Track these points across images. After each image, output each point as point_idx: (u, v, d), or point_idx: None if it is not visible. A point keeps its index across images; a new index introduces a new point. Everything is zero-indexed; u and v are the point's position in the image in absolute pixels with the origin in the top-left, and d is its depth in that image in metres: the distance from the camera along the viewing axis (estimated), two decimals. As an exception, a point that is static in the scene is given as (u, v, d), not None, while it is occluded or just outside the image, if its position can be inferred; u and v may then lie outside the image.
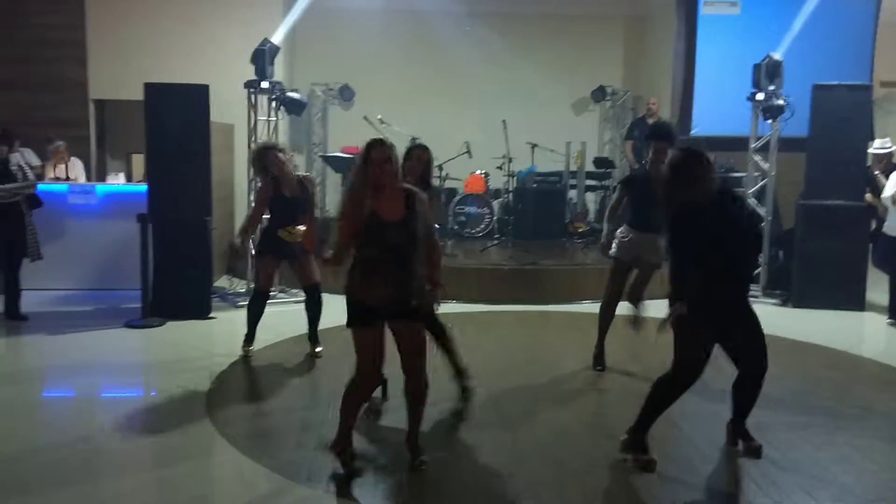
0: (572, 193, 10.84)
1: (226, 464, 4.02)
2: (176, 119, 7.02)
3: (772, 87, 7.98)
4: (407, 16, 11.02)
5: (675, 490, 3.75)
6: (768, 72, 7.98)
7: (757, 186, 8.47)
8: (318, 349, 5.89)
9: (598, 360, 5.66)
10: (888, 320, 7.23)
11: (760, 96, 8.06)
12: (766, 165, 8.33)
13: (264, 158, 5.74)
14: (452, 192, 10.18)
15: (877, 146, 8.03)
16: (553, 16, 11.18)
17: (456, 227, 9.90)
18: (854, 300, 7.64)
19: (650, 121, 10.11)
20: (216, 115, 7.59)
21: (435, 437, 4.25)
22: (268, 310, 7.51)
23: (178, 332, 6.63)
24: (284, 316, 7.29)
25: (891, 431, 4.70)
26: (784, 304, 7.97)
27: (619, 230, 5.52)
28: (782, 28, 9.51)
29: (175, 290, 6.96)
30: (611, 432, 4.35)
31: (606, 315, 5.62)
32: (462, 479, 3.84)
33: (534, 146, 10.49)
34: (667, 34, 10.82)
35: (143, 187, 7.32)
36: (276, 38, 7.65)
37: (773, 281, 8.28)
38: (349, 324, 3.66)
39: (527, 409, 4.82)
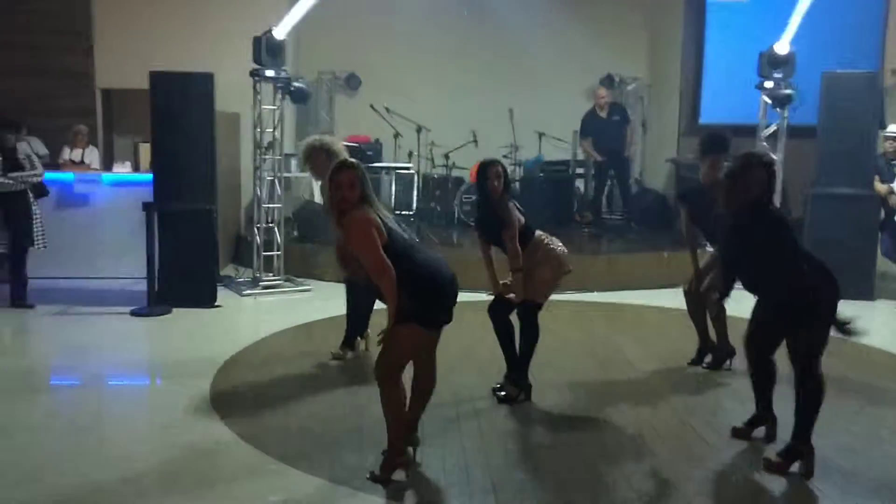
0: (579, 183, 10.79)
1: (230, 452, 4.02)
2: (181, 107, 7.02)
3: (778, 76, 7.90)
4: (414, 3, 10.96)
5: (679, 481, 3.74)
6: (771, 60, 7.91)
7: (766, 175, 8.41)
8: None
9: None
10: (897, 310, 7.19)
11: (769, 84, 7.99)
12: (775, 154, 8.26)
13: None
14: (459, 181, 10.15)
15: (891, 130, 7.95)
16: (562, 2, 11.10)
17: (462, 217, 9.87)
18: (863, 289, 7.57)
19: (601, 114, 9.84)
20: (222, 103, 7.59)
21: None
22: (272, 298, 7.59)
23: (184, 321, 6.64)
24: (290, 305, 7.32)
25: (894, 420, 4.67)
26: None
27: None
28: (791, 15, 9.40)
29: (181, 279, 6.96)
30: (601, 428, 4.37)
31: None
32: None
33: (541, 135, 10.45)
34: (676, 22, 10.73)
35: (149, 176, 7.33)
36: (280, 31, 7.57)
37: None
38: None
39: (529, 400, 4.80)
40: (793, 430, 3.85)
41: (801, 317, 3.77)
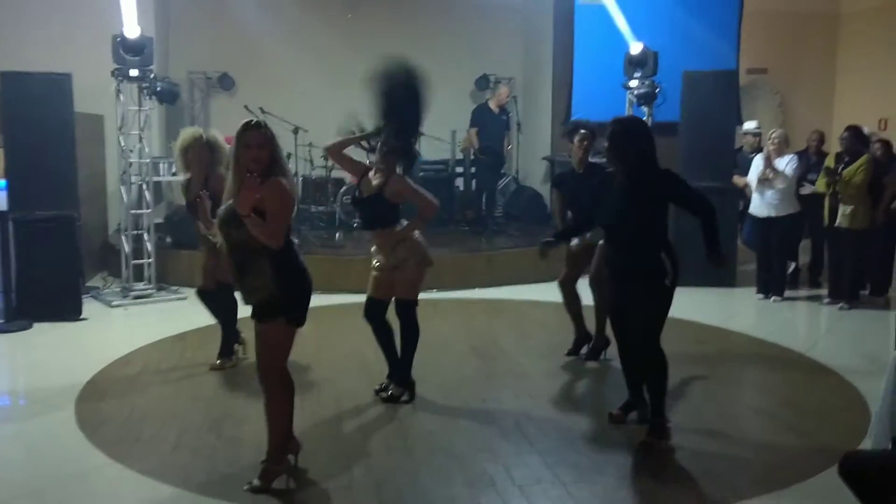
0: (459, 181, 10.89)
1: (101, 474, 3.81)
2: (36, 110, 6.62)
3: (638, 75, 8.25)
4: (287, 2, 10.75)
5: (560, 468, 3.82)
6: (632, 61, 8.26)
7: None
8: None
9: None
10: (756, 295, 7.64)
11: (634, 83, 8.32)
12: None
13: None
14: (339, 182, 10.03)
15: (749, 127, 8.47)
16: (438, 4, 11.16)
17: (343, 218, 9.77)
18: (725, 277, 8.00)
19: (494, 108, 9.97)
20: (83, 105, 7.20)
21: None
22: (144, 308, 7.25)
23: (46, 336, 6.26)
24: (163, 314, 7.02)
25: (758, 400, 4.97)
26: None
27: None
28: (655, 17, 9.85)
29: (42, 291, 6.57)
30: (495, 416, 4.43)
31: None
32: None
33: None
34: (547, 24, 11.02)
35: (2, 182, 6.85)
36: (130, 29, 7.22)
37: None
38: None
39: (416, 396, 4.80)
40: (650, 408, 4.06)
41: (642, 289, 3.99)
